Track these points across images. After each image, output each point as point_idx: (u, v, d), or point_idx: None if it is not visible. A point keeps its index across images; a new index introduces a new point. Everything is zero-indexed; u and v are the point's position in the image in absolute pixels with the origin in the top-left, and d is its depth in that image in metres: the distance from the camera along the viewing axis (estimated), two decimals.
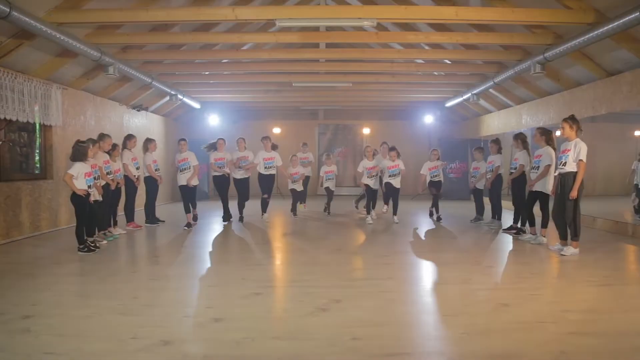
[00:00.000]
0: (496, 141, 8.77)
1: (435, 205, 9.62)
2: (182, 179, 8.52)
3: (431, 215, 9.72)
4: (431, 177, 9.42)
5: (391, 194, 9.34)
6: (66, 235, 7.65)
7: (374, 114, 16.93)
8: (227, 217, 9.26)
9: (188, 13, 7.18)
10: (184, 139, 8.78)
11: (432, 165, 9.45)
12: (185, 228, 8.48)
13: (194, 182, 8.63)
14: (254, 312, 3.94)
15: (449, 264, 5.85)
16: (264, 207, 9.57)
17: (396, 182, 9.22)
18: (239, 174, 9.28)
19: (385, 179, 9.28)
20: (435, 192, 9.53)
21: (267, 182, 9.52)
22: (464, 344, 3.20)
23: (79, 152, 6.33)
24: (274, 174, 9.73)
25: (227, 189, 9.23)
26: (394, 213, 9.26)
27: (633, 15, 5.50)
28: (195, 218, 8.94)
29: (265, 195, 9.46)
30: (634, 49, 6.90)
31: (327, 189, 10.37)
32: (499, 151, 8.60)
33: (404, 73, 11.28)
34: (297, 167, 10.24)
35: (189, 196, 8.67)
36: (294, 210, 10.37)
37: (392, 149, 9.34)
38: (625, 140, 12.68)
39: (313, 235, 8.02)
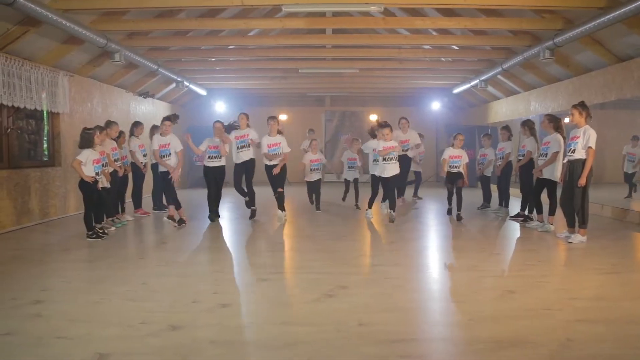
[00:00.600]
0: (506, 128, 8.71)
1: (449, 199, 8.26)
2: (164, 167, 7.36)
3: (449, 212, 8.29)
4: (449, 167, 7.92)
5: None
6: (75, 222, 7.72)
7: (381, 100, 16.83)
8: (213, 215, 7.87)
9: None
10: (168, 119, 7.41)
11: (455, 153, 7.90)
12: (176, 225, 7.31)
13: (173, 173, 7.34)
14: (260, 298, 3.97)
15: (455, 250, 5.86)
16: (281, 202, 7.91)
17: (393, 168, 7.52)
18: (215, 162, 7.69)
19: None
20: (450, 187, 8.09)
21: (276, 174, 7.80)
22: (470, 330, 3.22)
23: (86, 139, 6.36)
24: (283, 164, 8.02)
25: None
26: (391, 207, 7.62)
27: None
28: (181, 221, 7.44)
29: (281, 190, 7.83)
30: None
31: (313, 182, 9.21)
32: (510, 138, 8.56)
33: (411, 59, 11.18)
34: (317, 153, 9.33)
35: (171, 187, 7.40)
36: (317, 204, 9.16)
37: (384, 125, 7.63)
38: (635, 127, 12.52)
39: (319, 223, 8.04)
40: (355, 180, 9.43)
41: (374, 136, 7.90)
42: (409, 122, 9.53)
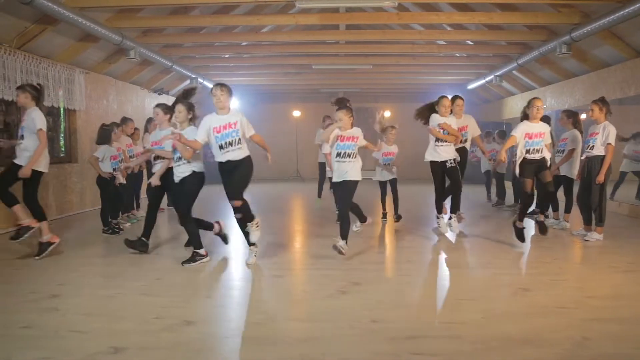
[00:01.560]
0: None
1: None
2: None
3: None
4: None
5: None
6: (92, 218, 7.82)
7: (395, 96, 16.75)
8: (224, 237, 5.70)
9: None
10: (160, 106, 5.63)
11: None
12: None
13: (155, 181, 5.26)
14: (274, 294, 3.99)
15: (468, 248, 5.82)
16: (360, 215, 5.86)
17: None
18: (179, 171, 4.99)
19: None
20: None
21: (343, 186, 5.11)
22: (483, 328, 3.20)
23: (104, 136, 6.46)
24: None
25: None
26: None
27: None
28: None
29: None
30: None
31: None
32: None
33: (425, 55, 11.09)
34: (392, 144, 7.19)
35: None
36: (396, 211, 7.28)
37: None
38: None
39: (332, 219, 8.04)
40: (394, 181, 7.30)
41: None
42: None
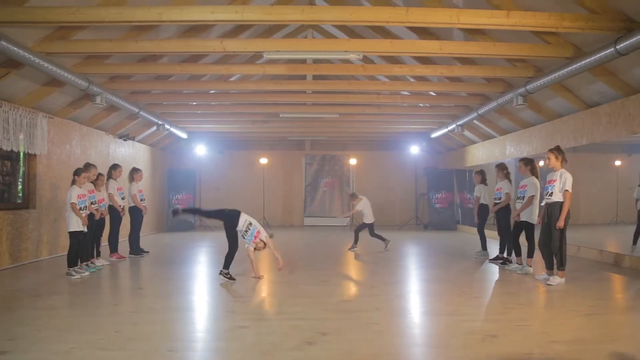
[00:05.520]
0: (480, 172, 8.79)
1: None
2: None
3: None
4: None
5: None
6: (48, 266, 7.47)
7: (361, 144, 17.10)
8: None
9: (177, 44, 7.26)
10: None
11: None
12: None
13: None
14: (238, 346, 3.85)
15: (436, 294, 5.83)
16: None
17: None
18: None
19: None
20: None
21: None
22: None
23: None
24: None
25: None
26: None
27: (608, 51, 5.69)
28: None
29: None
30: (610, 82, 7.12)
31: None
32: (483, 182, 8.61)
33: (390, 104, 11.44)
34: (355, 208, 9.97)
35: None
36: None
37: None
38: (607, 170, 12.94)
39: (298, 268, 7.95)
40: (370, 226, 9.66)
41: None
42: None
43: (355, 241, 9.40)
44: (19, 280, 6.63)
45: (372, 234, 9.52)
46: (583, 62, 6.27)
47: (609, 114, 7.66)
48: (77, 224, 6.65)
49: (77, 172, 6.95)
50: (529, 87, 7.69)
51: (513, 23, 5.77)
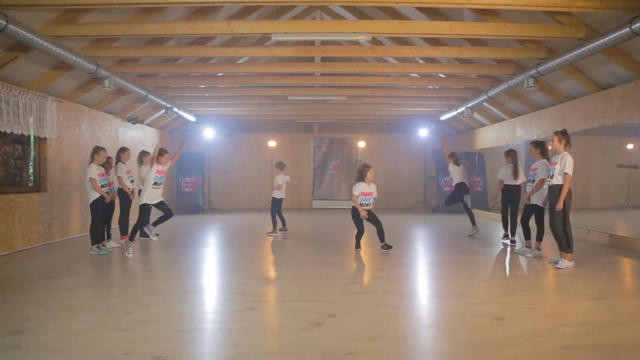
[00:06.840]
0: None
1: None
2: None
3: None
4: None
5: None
6: (60, 249, 7.58)
7: (369, 127, 17.00)
8: None
9: (184, 27, 7.21)
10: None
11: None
12: None
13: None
14: (248, 327, 3.90)
15: (444, 277, 5.84)
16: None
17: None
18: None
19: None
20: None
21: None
22: (459, 359, 3.18)
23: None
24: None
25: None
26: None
27: (623, 31, 5.57)
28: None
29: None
30: (624, 64, 6.98)
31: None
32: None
33: (398, 87, 11.34)
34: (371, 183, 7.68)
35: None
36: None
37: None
38: (618, 153, 12.76)
39: (306, 251, 7.99)
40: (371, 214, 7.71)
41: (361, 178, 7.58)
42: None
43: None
44: (32, 262, 6.74)
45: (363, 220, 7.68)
46: (596, 43, 6.15)
47: (621, 96, 7.53)
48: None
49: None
50: (540, 68, 7.56)
51: (525, 3, 5.67)
